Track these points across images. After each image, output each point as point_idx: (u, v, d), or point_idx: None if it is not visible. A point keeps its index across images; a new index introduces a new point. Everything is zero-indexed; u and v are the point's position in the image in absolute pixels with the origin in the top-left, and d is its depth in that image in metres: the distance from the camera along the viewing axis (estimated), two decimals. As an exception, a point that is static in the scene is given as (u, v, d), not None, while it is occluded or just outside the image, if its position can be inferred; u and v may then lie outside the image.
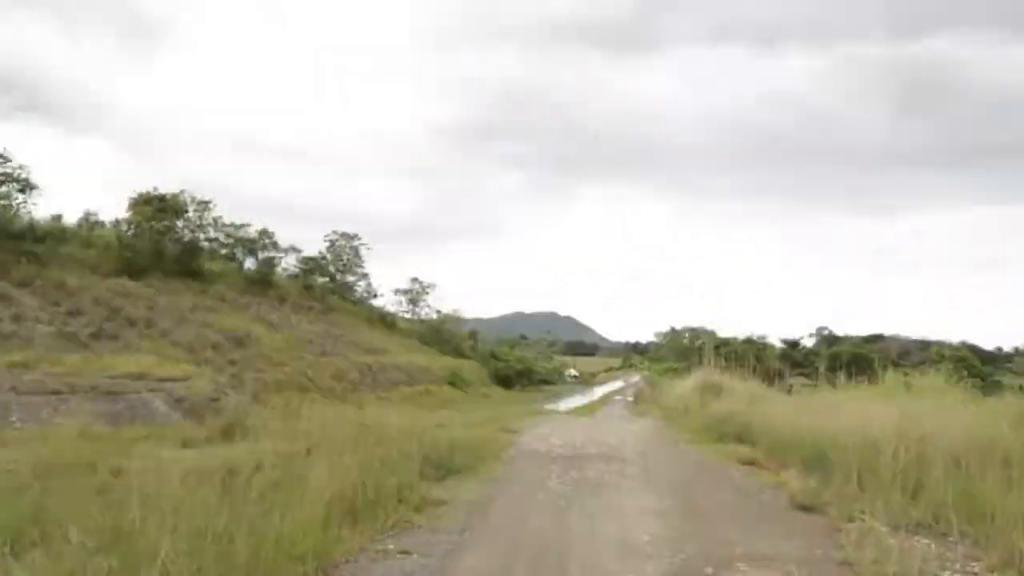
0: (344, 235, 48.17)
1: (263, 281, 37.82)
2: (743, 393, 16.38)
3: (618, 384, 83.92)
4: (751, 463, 10.50)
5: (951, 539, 6.36)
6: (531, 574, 5.41)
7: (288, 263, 41.65)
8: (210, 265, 35.20)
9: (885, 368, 20.57)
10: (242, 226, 37.52)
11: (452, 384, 47.60)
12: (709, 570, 5.53)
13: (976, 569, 5.63)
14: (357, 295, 49.85)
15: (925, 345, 69.80)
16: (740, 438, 12.57)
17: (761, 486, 8.96)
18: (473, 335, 65.99)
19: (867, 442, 8.55)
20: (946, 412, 10.03)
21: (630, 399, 48.25)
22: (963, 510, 6.63)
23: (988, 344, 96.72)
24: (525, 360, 68.06)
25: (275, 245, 38.84)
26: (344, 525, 6.24)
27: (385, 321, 51.12)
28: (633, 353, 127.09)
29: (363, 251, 48.89)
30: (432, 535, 6.44)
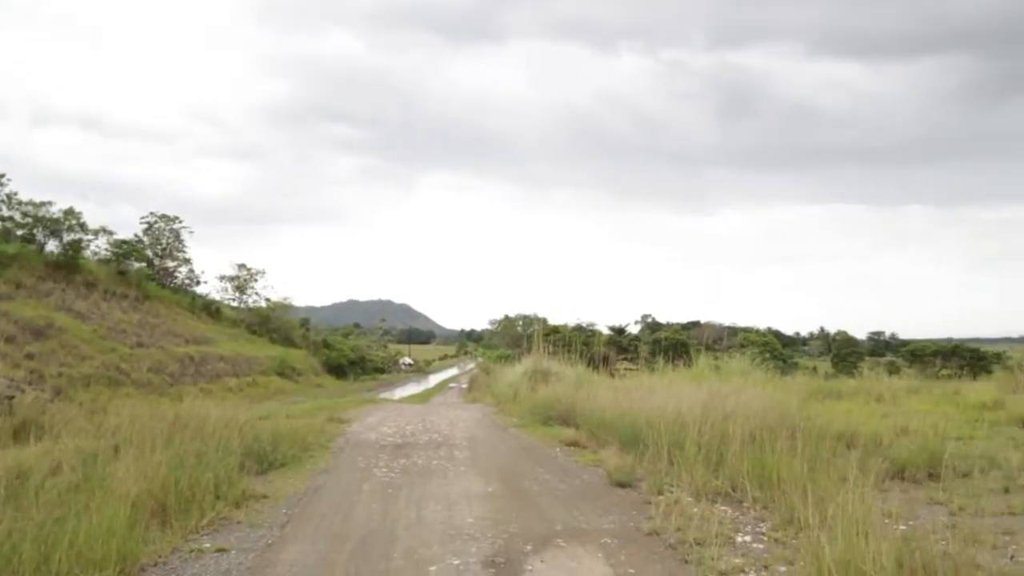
0: (163, 217, 44.95)
1: (68, 266, 34.31)
2: (570, 378, 17.05)
3: (453, 372, 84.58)
4: (574, 444, 10.97)
5: (746, 505, 7.00)
6: (354, 563, 5.35)
7: (98, 246, 38.00)
8: (3, 247, 31.49)
9: (700, 353, 22.27)
10: (43, 204, 33.83)
11: (282, 375, 45.90)
12: (529, 547, 5.74)
13: (763, 529, 6.23)
14: (178, 281, 46.68)
15: (736, 331, 75.62)
16: (565, 421, 13.09)
17: (582, 466, 9.39)
18: (305, 323, 63.90)
19: (677, 420, 9.22)
20: (747, 391, 11.03)
21: (464, 386, 48.76)
22: (755, 478, 7.31)
23: (789, 329, 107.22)
24: (359, 349, 66.83)
25: (83, 226, 35.32)
26: (153, 526, 5.89)
27: (209, 309, 48.27)
28: (468, 341, 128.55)
29: (185, 234, 45.88)
30: (252, 530, 6.21)
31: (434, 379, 72.70)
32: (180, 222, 45.56)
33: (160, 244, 44.65)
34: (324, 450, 10.55)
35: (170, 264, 45.80)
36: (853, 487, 5.50)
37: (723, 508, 6.90)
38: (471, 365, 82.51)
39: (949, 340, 60.13)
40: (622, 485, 7.99)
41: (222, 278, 52.62)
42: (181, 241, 45.70)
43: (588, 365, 19.44)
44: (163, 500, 6.26)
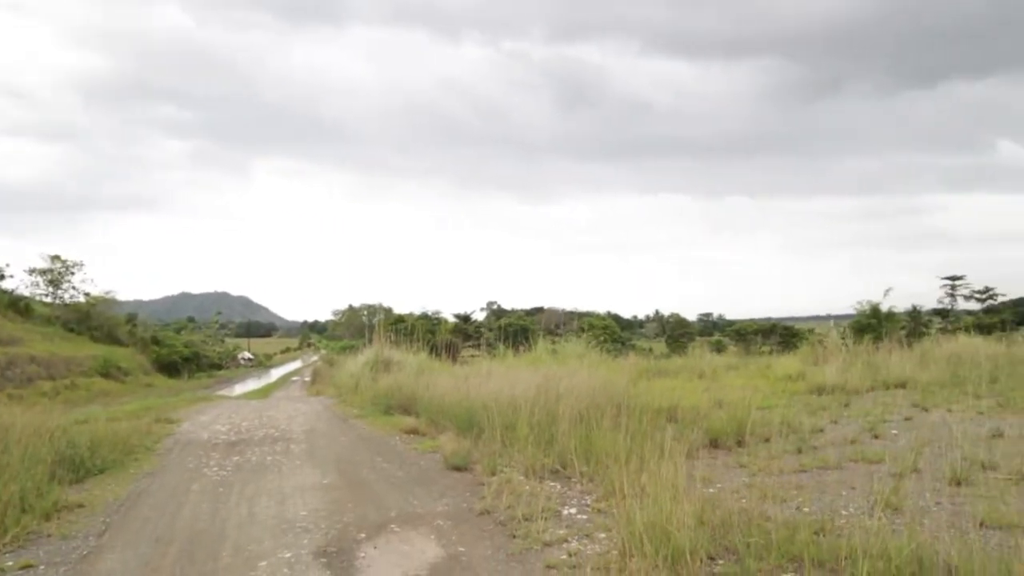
0: (-46, 206, 40.28)
1: None
2: (412, 366, 17.10)
3: (296, 365, 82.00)
4: (414, 432, 11.08)
5: (573, 480, 7.41)
6: (179, 566, 5.19)
7: None
8: None
9: (540, 338, 23.00)
10: None
11: (106, 375, 42.68)
12: (363, 535, 5.81)
13: (588, 501, 6.64)
14: (-24, 277, 42.16)
15: (577, 316, 78.42)
16: (406, 409, 13.16)
17: (420, 453, 9.52)
18: (132, 319, 59.62)
19: (511, 404, 9.57)
20: (580, 373, 11.58)
21: (307, 379, 47.52)
22: (582, 454, 7.76)
23: (627, 313, 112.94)
24: (193, 344, 63.25)
25: None
26: (-55, 547, 5.40)
27: (17, 306, 43.93)
28: (312, 333, 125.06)
29: (-18, 225, 41.37)
30: (64, 542, 5.84)
31: (276, 373, 70.19)
32: (-24, 211, 41.07)
33: (-48, 236, 40.06)
34: (150, 452, 10.01)
35: (-34, 258, 41.25)
36: (668, 457, 6.02)
37: (552, 484, 7.27)
38: (315, 358, 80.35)
39: (768, 319, 65.76)
40: (458, 469, 8.20)
41: (32, 271, 48.01)
42: (-22, 232, 41.22)
43: (433, 353, 19.55)
44: (-44, 518, 5.74)
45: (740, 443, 9.24)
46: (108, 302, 52.21)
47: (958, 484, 6.75)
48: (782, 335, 54.60)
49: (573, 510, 6.36)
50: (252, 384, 53.92)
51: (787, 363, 19.19)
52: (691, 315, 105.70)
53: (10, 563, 5.30)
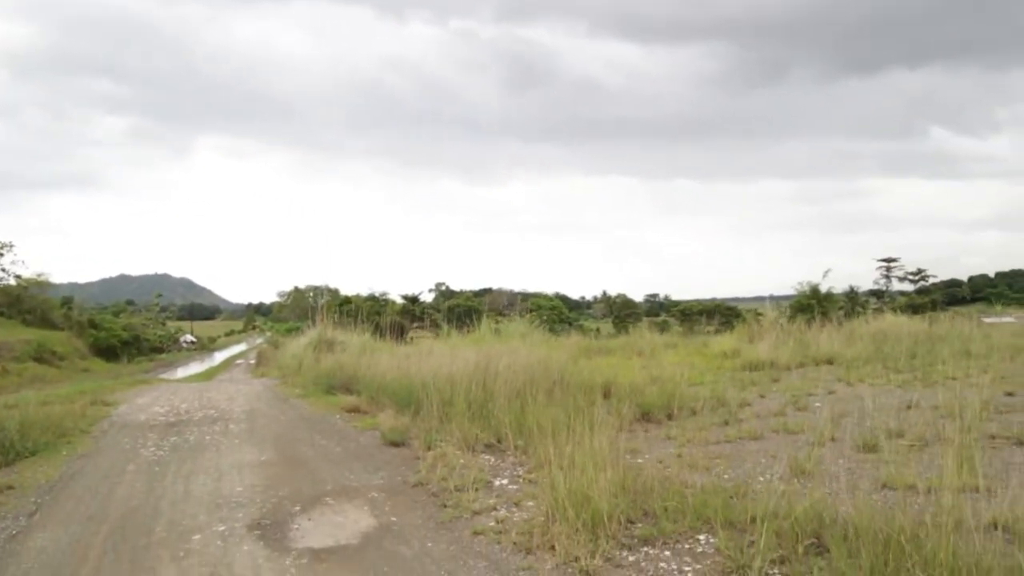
0: None
1: None
2: (355, 346, 17.14)
3: (240, 348, 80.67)
4: (354, 410, 11.17)
5: (508, 453, 7.63)
6: (111, 541, 5.24)
7: None
8: None
9: (491, 318, 23.18)
10: None
11: (39, 360, 41.39)
12: (297, 508, 5.94)
13: (520, 473, 6.87)
14: None
15: (526, 297, 78.77)
16: (348, 388, 13.23)
17: (360, 430, 9.64)
18: (67, 302, 57.81)
19: (449, 381, 9.75)
20: (520, 351, 11.81)
21: (252, 362, 46.89)
22: (517, 429, 7.98)
23: (575, 294, 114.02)
24: (132, 328, 61.65)
25: None
26: None
27: (-58, 290, 42.23)
28: (257, 315, 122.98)
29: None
30: (-7, 523, 5.82)
31: (220, 356, 68.95)
32: None
33: None
34: (84, 435, 9.89)
35: None
36: (599, 430, 6.27)
37: (487, 457, 7.49)
38: (260, 340, 79.09)
39: (713, 300, 67.18)
40: (395, 444, 8.35)
41: (-42, 253, 46.11)
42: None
43: (379, 334, 19.57)
44: None
45: (670, 416, 9.57)
46: (41, 284, 50.54)
47: (868, 451, 7.19)
48: (724, 315, 55.90)
49: (505, 481, 6.58)
50: (195, 367, 52.96)
51: (723, 341, 19.78)
52: (638, 296, 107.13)
53: (-64, 544, 5.28)
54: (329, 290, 72.16)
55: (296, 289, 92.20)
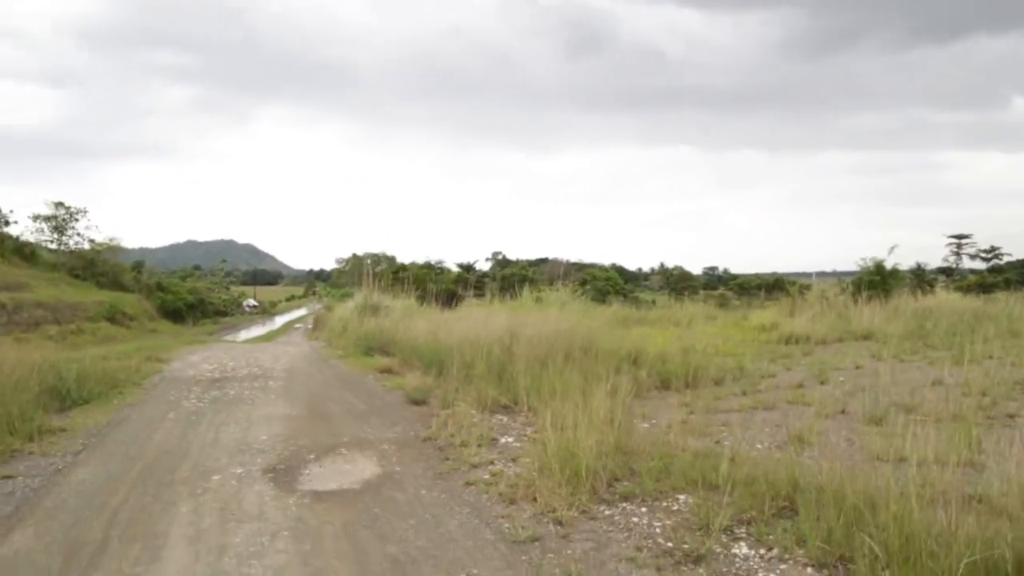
0: (-41, 151, 40.53)
1: None
2: (398, 311, 17.69)
3: (300, 312, 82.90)
4: (387, 371, 11.67)
5: (521, 414, 7.96)
6: (141, 478, 5.78)
7: None
8: None
9: (547, 288, 23.44)
10: None
11: (112, 320, 43.36)
12: (312, 456, 6.40)
13: (528, 432, 7.19)
14: (-19, 223, 42.60)
15: (583, 267, 78.66)
16: (385, 350, 13.76)
17: (388, 389, 10.11)
18: (138, 266, 60.24)
19: (475, 345, 10.11)
20: (552, 318, 12.09)
21: (310, 326, 48.28)
22: (535, 392, 8.29)
23: (632, 265, 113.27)
24: (197, 291, 63.93)
25: None
26: (-67, 462, 6.00)
27: (22, 252, 44.45)
28: (317, 281, 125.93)
29: (-15, 170, 41.63)
30: (43, 459, 6.45)
31: (280, 320, 71.07)
32: (-20, 156, 41.30)
33: (-43, 180, 40.35)
34: (135, 387, 10.64)
35: (-30, 202, 41.57)
36: (614, 395, 6.53)
37: (500, 417, 7.83)
38: (319, 305, 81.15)
39: (773, 274, 65.88)
40: (416, 403, 8.78)
41: (36, 218, 48.39)
42: (-16, 177, 41.50)
43: (427, 301, 20.03)
44: (-53, 436, 6.35)
45: (691, 385, 9.75)
46: (113, 249, 52.65)
47: (874, 424, 7.26)
48: (785, 290, 54.91)
49: (511, 439, 6.91)
50: (256, 331, 54.78)
51: (763, 314, 19.67)
52: (696, 268, 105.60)
53: (-8, 474, 5.92)
54: (386, 257, 73.52)
55: (354, 256, 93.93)
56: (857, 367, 11.18)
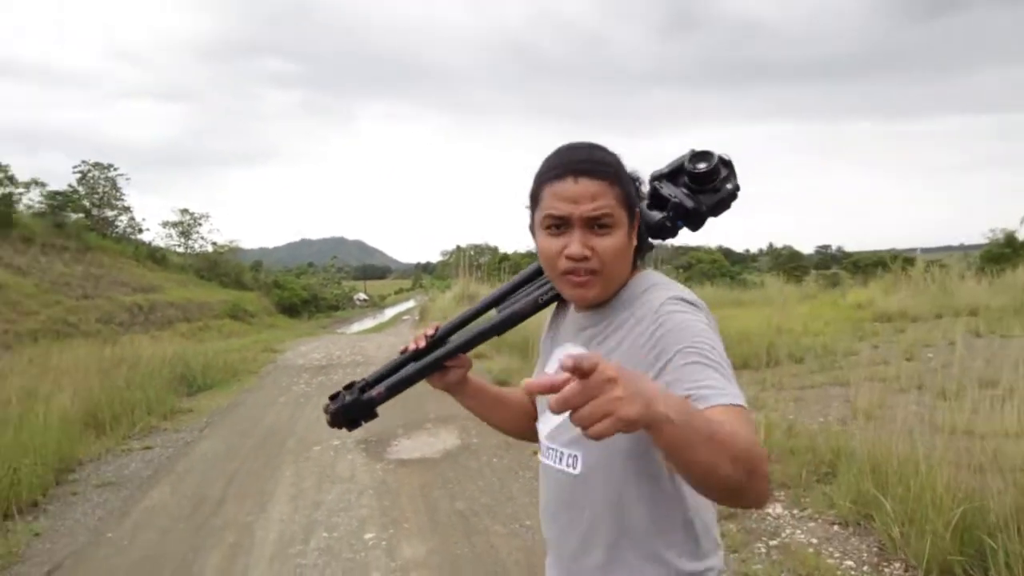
0: (97, 165, 44.35)
1: (1, 221, 34.07)
2: (492, 300, 18.42)
3: (409, 304, 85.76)
4: (479, 355, 12.35)
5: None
6: (254, 450, 6.68)
7: (31, 199, 37.53)
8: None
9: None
10: (-38, 160, 33.20)
11: (234, 317, 46.48)
12: (400, 431, 7.13)
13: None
14: (119, 231, 46.49)
15: (687, 250, 77.49)
16: (478, 338, 14.49)
17: (476, 372, 10.78)
18: (256, 266, 64.08)
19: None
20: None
21: (416, 317, 50.09)
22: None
23: (740, 247, 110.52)
24: (311, 287, 67.38)
25: (12, 180, 34.90)
26: (90, 436, 7.10)
27: (155, 257, 48.25)
28: (423, 273, 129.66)
29: (121, 182, 45.39)
30: (175, 434, 7.49)
31: (389, 312, 73.84)
32: (115, 169, 44.97)
33: (96, 193, 44.18)
34: (252, 375, 11.80)
35: (109, 213, 45.48)
36: None
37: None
38: (426, 297, 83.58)
39: (892, 250, 62.83)
40: (501, 384, 9.39)
41: (165, 224, 52.30)
42: (118, 189, 45.24)
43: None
44: (98, 416, 7.47)
45: (770, 364, 9.92)
46: (234, 250, 56.24)
47: (948, 398, 7.31)
48: (903, 267, 52.32)
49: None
50: (367, 323, 57.21)
51: (861, 292, 19.22)
52: (808, 247, 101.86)
53: (136, 446, 6.98)
54: (489, 248, 74.92)
55: (458, 248, 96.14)
56: (951, 343, 10.97)
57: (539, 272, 1.43)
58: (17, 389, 9.14)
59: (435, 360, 1.49)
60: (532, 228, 1.30)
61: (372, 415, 1.56)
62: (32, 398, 8.10)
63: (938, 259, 23.76)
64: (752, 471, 0.96)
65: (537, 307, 1.42)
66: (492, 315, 1.49)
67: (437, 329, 1.52)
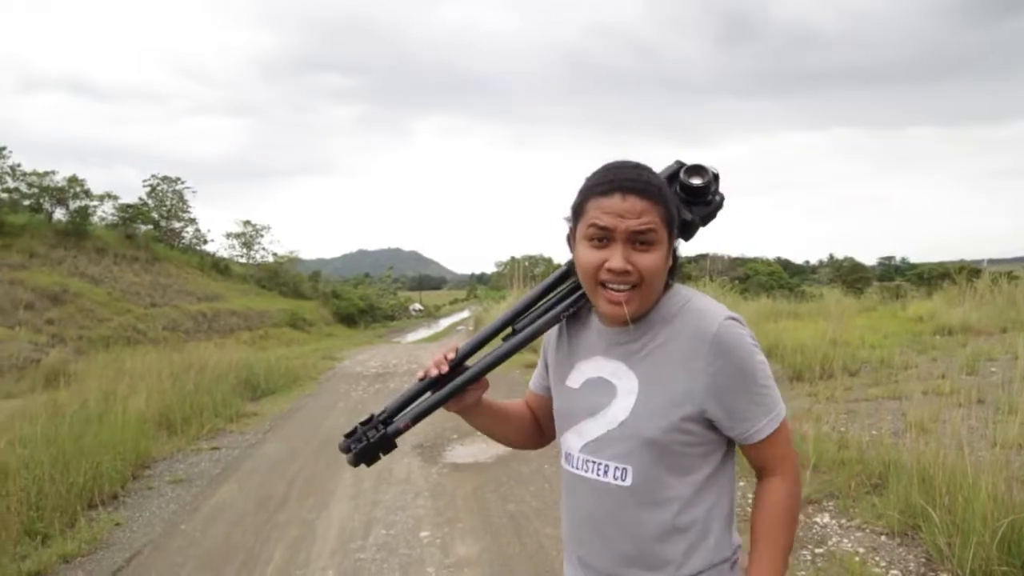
0: (165, 179, 46.26)
1: (77, 232, 35.72)
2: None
3: (463, 315, 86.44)
4: (531, 365, 12.54)
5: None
6: (314, 453, 6.99)
7: (104, 211, 39.41)
8: (12, 218, 32.85)
9: (707, 284, 23.46)
10: (46, 174, 35.08)
11: (294, 326, 47.69)
12: (455, 436, 7.35)
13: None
14: (185, 242, 48.27)
15: (744, 261, 76.32)
16: (534, 346, 14.63)
17: (526, 382, 10.96)
18: (315, 276, 65.57)
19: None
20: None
21: (471, 328, 50.51)
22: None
23: (799, 258, 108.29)
24: (368, 297, 68.58)
25: (87, 193, 36.70)
26: (163, 436, 7.52)
27: (218, 267, 49.95)
28: (478, 284, 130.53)
29: (188, 195, 47.24)
30: (241, 436, 7.87)
31: (444, 323, 74.60)
32: (183, 183, 46.87)
33: (165, 206, 46.02)
34: (312, 381, 12.21)
35: (176, 225, 47.27)
36: None
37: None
38: (481, 308, 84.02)
39: (960, 261, 60.71)
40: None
41: (228, 235, 54.14)
42: (185, 202, 47.08)
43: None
44: (170, 418, 7.89)
45: (824, 376, 9.82)
46: (293, 261, 57.77)
47: (1009, 413, 7.17)
48: (969, 279, 50.53)
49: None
50: (423, 332, 57.95)
51: (922, 305, 18.75)
52: (870, 258, 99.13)
53: (204, 446, 7.38)
54: (543, 259, 75.14)
55: (512, 258, 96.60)
56: (1015, 357, 10.69)
57: (552, 287, 1.49)
58: (95, 391, 9.71)
59: (458, 387, 1.46)
60: (570, 239, 1.39)
61: (392, 447, 1.52)
62: (110, 399, 8.61)
63: (1008, 270, 22.89)
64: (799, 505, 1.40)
65: (558, 323, 1.49)
66: (509, 332, 1.54)
67: (456, 351, 1.48)
